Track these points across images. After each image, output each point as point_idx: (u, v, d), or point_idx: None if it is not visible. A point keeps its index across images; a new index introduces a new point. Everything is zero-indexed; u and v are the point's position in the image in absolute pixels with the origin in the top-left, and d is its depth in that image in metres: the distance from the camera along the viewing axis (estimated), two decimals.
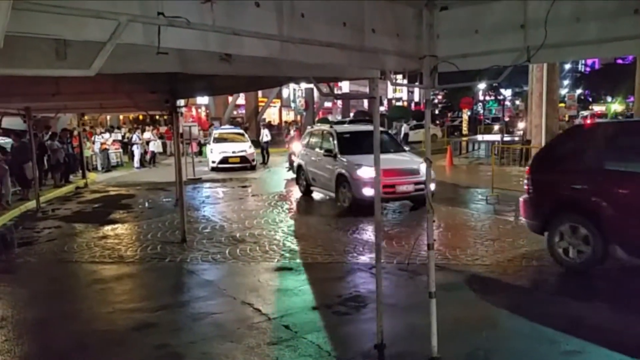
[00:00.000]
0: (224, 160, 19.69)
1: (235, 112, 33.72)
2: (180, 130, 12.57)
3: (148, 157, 22.64)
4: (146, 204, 12.75)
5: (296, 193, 13.68)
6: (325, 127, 13.20)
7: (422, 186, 10.18)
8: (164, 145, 26.32)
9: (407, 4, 3.74)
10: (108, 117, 30.88)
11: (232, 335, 4.87)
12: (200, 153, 25.70)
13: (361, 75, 4.63)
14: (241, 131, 23.51)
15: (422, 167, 10.29)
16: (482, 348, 4.47)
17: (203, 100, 32.45)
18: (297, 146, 15.02)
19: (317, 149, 12.45)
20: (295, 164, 13.93)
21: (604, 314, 5.20)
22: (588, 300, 5.62)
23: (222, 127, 26.06)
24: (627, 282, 6.20)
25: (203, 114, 35.66)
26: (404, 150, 12.70)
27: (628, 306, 5.32)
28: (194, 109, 34.75)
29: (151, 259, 7.72)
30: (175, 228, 9.31)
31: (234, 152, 19.91)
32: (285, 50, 2.91)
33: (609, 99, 49.62)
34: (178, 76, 7.02)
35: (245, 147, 20.38)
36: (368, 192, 9.89)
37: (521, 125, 30.47)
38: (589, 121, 26.45)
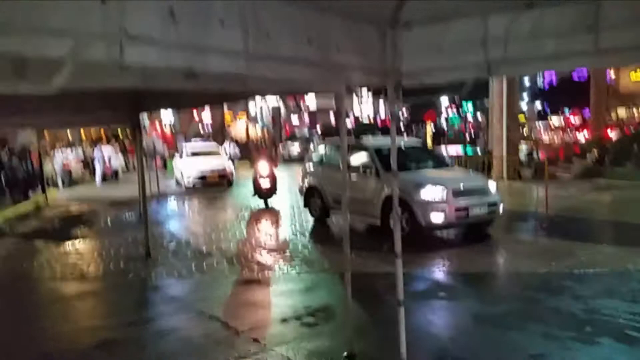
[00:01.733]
0: (201, 177, 17.61)
1: (200, 127, 33.42)
2: (144, 145, 12.42)
3: (108, 172, 22.05)
4: (109, 220, 12.47)
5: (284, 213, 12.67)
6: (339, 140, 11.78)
7: (494, 208, 8.88)
8: (126, 160, 25.84)
9: (371, 23, 3.84)
10: (68, 131, 30.11)
11: (199, 351, 4.81)
12: (164, 167, 25.34)
13: (327, 89, 4.70)
14: (215, 145, 22.02)
15: (492, 185, 9.23)
16: (450, 355, 4.54)
17: (168, 114, 32.05)
18: (263, 167, 13.15)
19: (338, 166, 9.92)
20: (302, 184, 11.43)
21: None
22: None
23: (194, 140, 24.39)
24: None
25: (167, 129, 35.19)
26: (449, 165, 11.15)
27: None
28: (157, 124, 34.27)
29: (114, 275, 7.56)
30: (139, 243, 9.14)
31: (212, 170, 17.83)
32: (251, 66, 2.94)
33: (566, 111, 51.39)
34: (141, 91, 6.95)
35: (223, 163, 18.52)
36: (437, 217, 8.33)
37: (481, 137, 31.16)
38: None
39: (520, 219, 10.52)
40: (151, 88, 4.15)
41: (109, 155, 22.22)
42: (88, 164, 22.85)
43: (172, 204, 15.08)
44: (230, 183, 18.10)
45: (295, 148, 30.41)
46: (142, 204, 8.96)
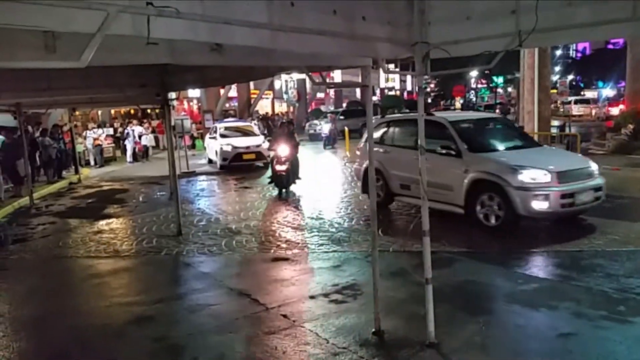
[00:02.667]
0: (237, 156, 17.15)
1: (227, 105, 33.55)
2: (173, 124, 12.53)
3: (140, 151, 22.51)
4: (140, 199, 12.70)
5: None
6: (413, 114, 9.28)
7: (600, 193, 7.80)
8: (157, 139, 26.23)
9: None
10: (99, 112, 30.68)
11: (230, 326, 4.89)
12: (193, 146, 25.61)
13: (353, 64, 4.62)
14: (250, 124, 21.75)
15: (595, 167, 8.03)
16: (479, 334, 4.50)
17: (194, 93, 32.27)
18: (283, 149, 11.83)
19: (407, 145, 9.00)
20: (361, 166, 10.11)
21: None
22: None
23: (227, 119, 24.03)
24: None
25: (195, 107, 35.48)
26: (540, 144, 10.08)
27: None
28: (185, 102, 34.58)
29: (147, 252, 7.72)
30: (170, 221, 9.30)
31: (248, 148, 17.38)
32: (276, 39, 2.90)
33: (600, 84, 49.75)
34: (168, 68, 6.98)
35: (259, 142, 17.91)
36: (540, 205, 7.23)
37: (513, 111, 30.50)
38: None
39: None
40: (178, 63, 4.15)
41: (139, 134, 22.58)
42: (119, 143, 23.27)
43: (202, 182, 15.24)
44: (267, 162, 16.65)
45: (321, 126, 27.40)
46: (172, 182, 9.08)
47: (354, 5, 3.38)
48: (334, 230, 8.38)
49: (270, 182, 12.38)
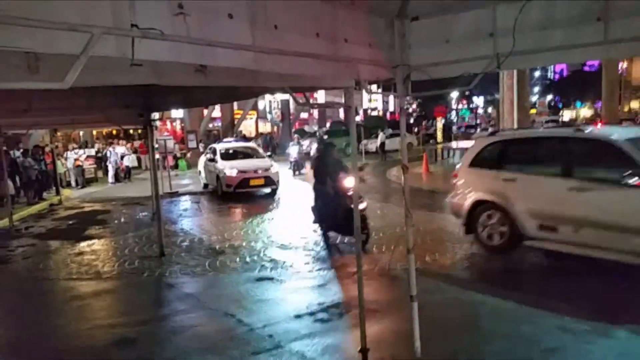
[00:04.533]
0: (243, 182, 14.66)
1: (210, 125, 33.56)
2: (155, 144, 12.47)
3: (122, 172, 22.33)
4: (122, 219, 12.57)
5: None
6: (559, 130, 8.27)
7: None
8: (139, 159, 26.05)
9: (379, 14, 3.83)
10: (81, 133, 30.44)
11: (214, 348, 4.84)
12: (176, 166, 25.49)
13: (336, 85, 4.69)
14: (253, 145, 19.55)
15: None
16: (464, 349, 4.52)
17: (178, 113, 32.24)
18: (350, 181, 7.76)
19: (549, 172, 6.85)
20: (464, 200, 7.81)
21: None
22: None
23: (227, 139, 21.73)
24: None
25: (178, 127, 35.41)
26: None
27: None
28: (168, 123, 34.50)
29: (129, 274, 7.62)
30: (153, 242, 9.21)
31: (256, 172, 14.95)
32: (259, 61, 2.95)
33: (578, 104, 50.92)
34: (152, 89, 6.99)
35: (267, 165, 15.45)
36: None
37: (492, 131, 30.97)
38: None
39: None
40: (162, 84, 4.17)
41: (121, 154, 22.42)
42: (101, 163, 23.07)
43: (185, 203, 15.14)
44: (275, 188, 15.27)
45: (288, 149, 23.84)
46: (155, 202, 9.02)
47: (336, 28, 3.46)
48: (318, 248, 8.37)
49: (324, 228, 8.56)
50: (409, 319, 4.21)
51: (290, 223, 10.93)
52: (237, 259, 8.00)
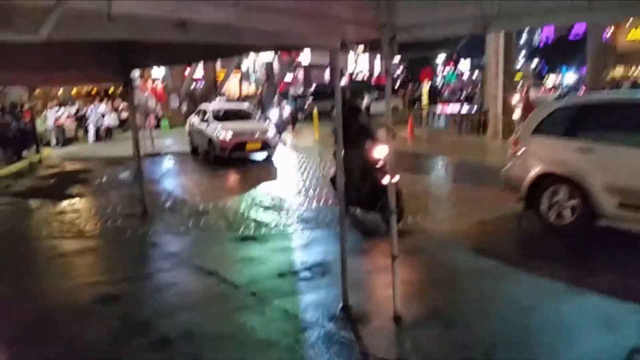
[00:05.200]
0: (239, 146, 13.71)
1: (193, 85, 32.97)
2: (136, 103, 12.26)
3: (103, 131, 21.97)
4: (104, 178, 12.47)
5: None
6: None
7: None
8: (120, 119, 25.61)
9: None
10: (60, 92, 29.70)
11: (198, 304, 4.92)
12: (158, 126, 25.15)
13: (322, 45, 4.63)
14: (248, 105, 17.74)
15: None
16: (442, 308, 4.66)
17: (159, 73, 31.58)
18: (381, 149, 7.02)
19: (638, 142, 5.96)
20: (527, 170, 6.88)
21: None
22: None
23: (219, 98, 20.14)
24: None
25: (159, 87, 34.76)
26: None
27: None
28: (150, 82, 33.82)
29: (112, 232, 7.62)
30: (136, 201, 9.17)
31: (252, 135, 14.03)
32: (243, 16, 2.90)
33: (563, 70, 51.03)
34: (131, 45, 6.82)
35: (264, 128, 14.57)
36: None
37: (477, 96, 30.96)
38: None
39: None
40: (140, 40, 4.08)
41: (102, 113, 22.02)
42: (81, 122, 22.67)
43: (168, 163, 15.03)
44: (272, 154, 14.43)
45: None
46: (136, 162, 8.95)
47: None
48: (303, 208, 8.44)
49: (353, 207, 7.56)
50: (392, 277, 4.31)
51: (274, 185, 10.95)
52: (221, 220, 8.03)
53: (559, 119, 6.78)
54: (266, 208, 8.75)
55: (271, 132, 14.43)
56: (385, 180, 6.16)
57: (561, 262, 5.80)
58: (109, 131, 22.38)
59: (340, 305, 4.56)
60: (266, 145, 14.07)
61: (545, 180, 6.67)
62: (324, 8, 3.41)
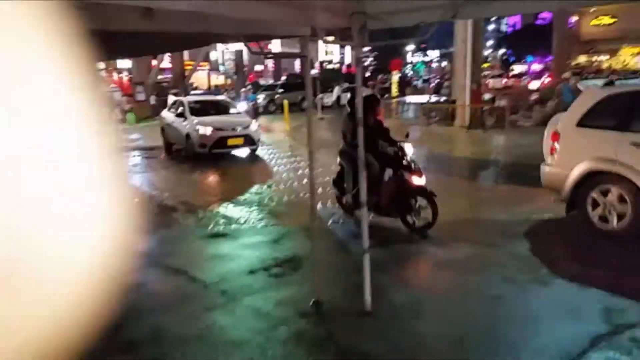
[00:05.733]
0: (220, 141, 12.73)
1: (160, 77, 32.31)
2: None
3: None
4: None
5: None
6: None
7: None
8: None
9: None
10: None
11: (166, 305, 4.75)
12: (124, 121, 24.56)
13: (292, 33, 4.50)
14: (226, 98, 17.13)
15: None
16: (412, 303, 4.62)
17: (124, 64, 30.85)
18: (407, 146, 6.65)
19: None
20: (568, 168, 6.04)
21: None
22: None
23: (195, 91, 19.59)
24: None
25: (125, 79, 33.98)
26: None
27: None
28: (115, 74, 33.04)
29: None
30: None
31: (234, 130, 13.05)
32: (211, 4, 2.75)
33: (529, 58, 51.92)
34: (94, 35, 6.55)
35: (246, 121, 13.70)
36: None
37: (446, 85, 31.23)
38: None
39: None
40: (106, 30, 3.87)
41: None
42: None
43: (134, 158, 14.66)
44: (255, 149, 13.51)
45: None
46: None
47: None
48: (273, 204, 8.31)
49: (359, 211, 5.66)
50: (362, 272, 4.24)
51: (243, 180, 10.78)
52: (190, 216, 7.84)
53: (608, 110, 5.88)
54: (236, 203, 8.59)
55: (254, 126, 13.56)
56: (417, 181, 6.11)
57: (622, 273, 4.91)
58: None
59: (312, 301, 4.47)
60: (249, 140, 13.10)
61: (592, 179, 5.84)
62: None
